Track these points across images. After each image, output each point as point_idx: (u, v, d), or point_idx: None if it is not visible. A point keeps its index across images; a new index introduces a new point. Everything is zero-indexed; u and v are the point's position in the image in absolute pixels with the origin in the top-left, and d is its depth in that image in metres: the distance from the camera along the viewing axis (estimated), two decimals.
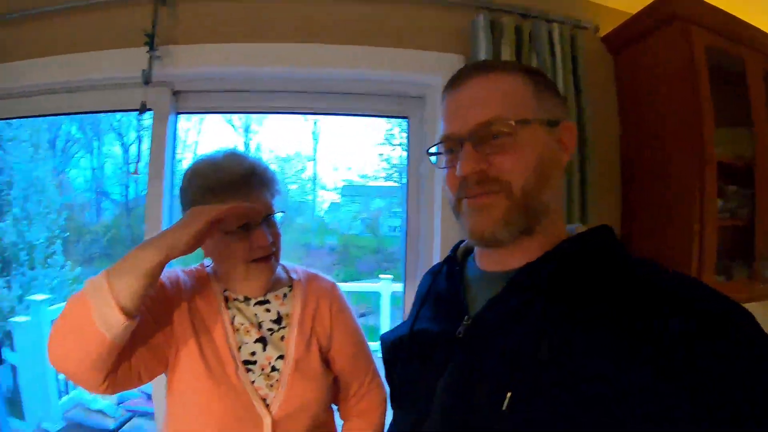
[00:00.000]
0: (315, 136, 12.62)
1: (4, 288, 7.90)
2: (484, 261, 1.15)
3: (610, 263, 0.96)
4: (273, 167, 1.48)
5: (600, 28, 2.25)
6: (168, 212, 2.33)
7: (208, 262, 1.55)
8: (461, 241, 1.30)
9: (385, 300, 7.11)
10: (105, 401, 4.86)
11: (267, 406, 1.34)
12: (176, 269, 1.50)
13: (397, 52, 2.07)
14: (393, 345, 1.22)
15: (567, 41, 2.00)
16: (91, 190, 13.01)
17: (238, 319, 1.43)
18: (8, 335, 5.42)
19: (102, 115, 12.55)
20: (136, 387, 1.37)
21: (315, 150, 13.18)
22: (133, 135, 13.08)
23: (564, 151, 1.08)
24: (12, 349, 5.34)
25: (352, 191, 12.91)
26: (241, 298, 1.46)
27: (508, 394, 0.86)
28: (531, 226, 1.03)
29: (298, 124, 12.54)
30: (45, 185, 10.08)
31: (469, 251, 1.27)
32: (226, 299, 1.46)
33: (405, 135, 2.27)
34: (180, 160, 2.49)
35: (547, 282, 0.96)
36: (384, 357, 1.26)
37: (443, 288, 1.20)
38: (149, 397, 4.97)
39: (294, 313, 1.47)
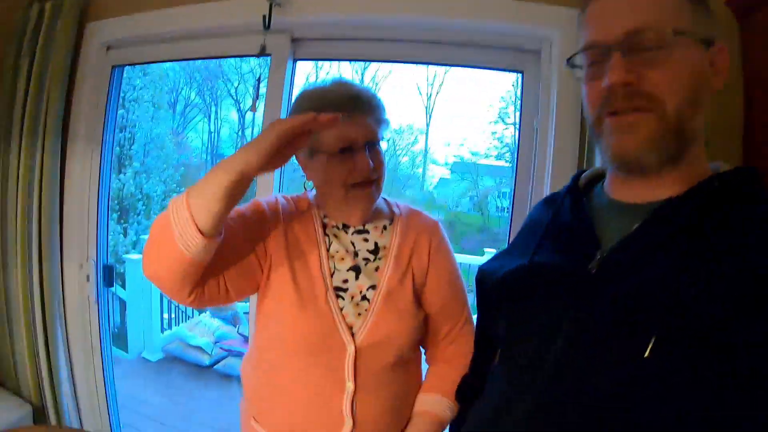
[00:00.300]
0: (428, 110, 12.63)
1: (120, 234, 8.43)
2: (620, 190, 1.03)
3: (758, 206, 0.88)
4: (379, 97, 1.44)
5: None
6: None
7: (311, 188, 1.55)
8: (581, 171, 1.18)
9: None
10: (203, 339, 5.14)
11: (353, 334, 1.33)
12: (278, 195, 1.52)
13: (515, 3, 2.01)
14: (507, 278, 1.08)
15: None
16: (207, 152, 13.66)
17: (334, 247, 1.42)
18: (121, 276, 5.79)
19: (221, 81, 13.10)
20: (224, 304, 1.43)
21: (428, 124, 13.16)
22: (249, 102, 13.65)
23: (716, 75, 0.95)
24: (123, 286, 5.70)
25: (462, 168, 12.77)
26: (339, 225, 1.46)
27: (653, 339, 0.78)
28: (679, 154, 0.93)
29: (413, 97, 12.57)
30: (164, 143, 10.64)
31: (592, 181, 1.16)
32: (325, 226, 1.46)
33: (519, 92, 2.20)
34: None
35: (693, 218, 0.88)
36: (487, 291, 1.15)
37: (567, 219, 1.08)
38: (246, 339, 5.19)
39: (392, 245, 1.44)
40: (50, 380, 2.61)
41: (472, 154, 12.64)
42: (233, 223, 1.29)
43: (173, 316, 5.94)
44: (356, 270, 1.39)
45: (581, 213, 1.07)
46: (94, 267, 2.62)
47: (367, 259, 1.41)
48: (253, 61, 12.60)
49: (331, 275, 1.37)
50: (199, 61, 12.02)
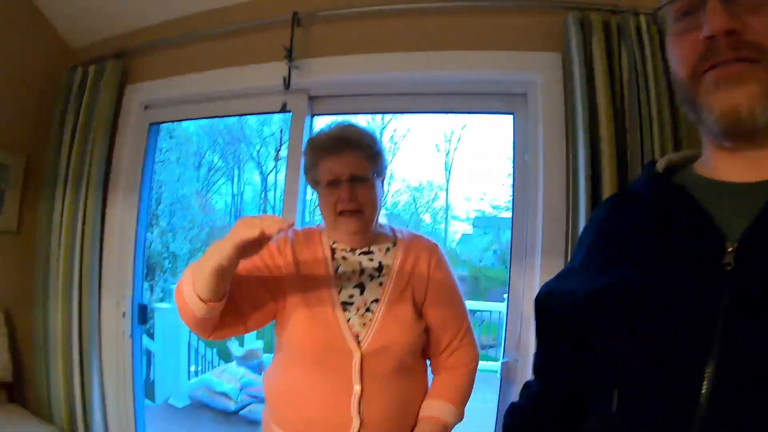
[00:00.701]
0: (447, 166, 12.83)
1: (147, 290, 8.66)
2: (725, 167, 0.86)
3: None
4: (373, 135, 1.65)
5: None
6: (302, 200, 2.66)
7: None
8: (652, 161, 0.98)
9: None
10: (229, 385, 5.25)
11: (359, 342, 1.48)
12: (289, 230, 1.69)
13: (500, 54, 2.26)
14: (604, 297, 0.88)
15: (654, 32, 2.04)
16: (231, 213, 13.96)
17: (342, 268, 1.59)
18: (148, 329, 5.99)
19: (243, 144, 13.46)
20: (242, 334, 1.63)
21: (447, 180, 13.31)
22: (271, 165, 13.99)
23: None
24: (152, 338, 5.88)
25: (484, 222, 12.82)
26: (347, 249, 1.62)
27: None
28: None
29: (431, 154, 12.80)
30: (189, 203, 10.94)
31: (671, 170, 0.96)
32: (334, 251, 1.64)
33: (512, 131, 2.41)
34: None
35: None
36: (564, 316, 0.99)
37: (662, 213, 0.89)
38: None
39: (394, 264, 1.60)
40: (83, 409, 2.82)
41: (493, 207, 12.76)
42: (245, 273, 1.51)
43: (200, 368, 6.11)
44: (361, 286, 1.56)
45: (684, 201, 0.86)
46: (130, 305, 2.85)
47: (372, 276, 1.58)
48: (274, 125, 13.01)
49: (339, 292, 1.55)
50: (222, 125, 12.43)
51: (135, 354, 2.90)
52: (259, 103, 2.72)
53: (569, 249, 2.07)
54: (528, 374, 2.12)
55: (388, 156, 1.66)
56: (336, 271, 1.58)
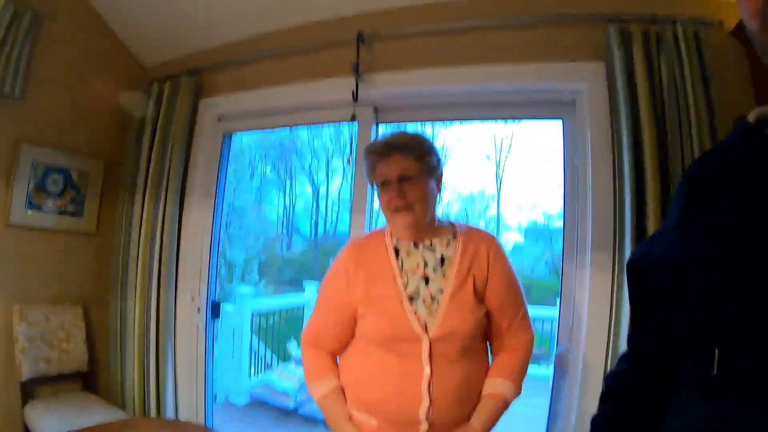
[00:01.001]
0: (498, 176, 12.75)
1: None
2: None
3: None
4: (420, 138, 1.75)
5: (724, 22, 2.34)
6: (370, 203, 2.81)
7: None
8: (742, 117, 0.90)
9: None
10: (288, 383, 5.41)
11: (427, 330, 1.60)
12: (353, 241, 1.86)
13: (549, 66, 2.42)
14: (685, 254, 0.84)
15: (691, 39, 2.15)
16: (283, 225, 14.18)
17: (407, 264, 1.71)
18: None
19: (294, 157, 13.70)
20: None
21: (499, 189, 13.16)
22: (322, 176, 14.20)
23: None
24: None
25: (535, 232, 12.69)
26: (411, 244, 1.74)
27: None
28: None
29: (482, 163, 12.75)
30: (245, 213, 11.21)
31: (762, 122, 0.87)
32: (397, 249, 1.75)
33: (562, 137, 2.56)
34: None
35: None
36: (660, 278, 0.90)
37: (750, 166, 0.81)
38: None
39: (455, 256, 1.71)
40: (156, 398, 3.06)
41: (545, 217, 12.62)
42: (339, 326, 1.77)
43: (259, 369, 6.28)
44: (426, 279, 1.70)
45: None
46: (204, 301, 3.09)
47: (435, 268, 1.71)
48: (325, 136, 13.22)
49: (405, 286, 1.69)
50: (274, 137, 12.68)
51: (207, 347, 3.12)
52: (329, 115, 2.94)
53: (617, 247, 2.19)
54: (579, 363, 2.27)
55: (440, 156, 1.79)
56: (401, 267, 1.71)
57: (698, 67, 2.11)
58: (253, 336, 6.09)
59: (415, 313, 1.62)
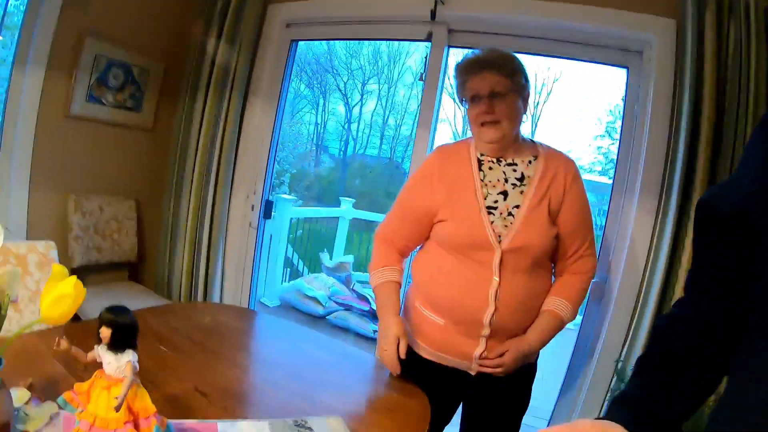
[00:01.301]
0: (534, 119, 12.58)
1: None
2: None
3: None
4: (512, 57, 1.77)
5: None
6: (435, 120, 2.89)
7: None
8: None
9: None
10: (319, 292, 5.61)
11: (500, 241, 1.67)
12: (438, 148, 1.92)
13: (623, 13, 2.45)
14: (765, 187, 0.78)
15: (761, 15, 2.16)
16: (313, 141, 14.20)
17: (488, 177, 1.76)
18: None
19: (329, 76, 13.58)
20: None
21: (533, 133, 13.01)
22: (357, 97, 14.12)
23: None
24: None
25: None
26: (494, 160, 1.79)
27: None
28: None
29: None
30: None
31: None
32: (481, 162, 1.80)
33: (625, 83, 2.61)
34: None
35: None
36: (726, 215, 0.87)
37: None
38: (358, 295, 5.70)
39: (535, 175, 1.76)
40: (204, 289, 3.24)
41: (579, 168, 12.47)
42: (416, 223, 1.86)
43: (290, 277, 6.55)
44: (504, 194, 1.75)
45: None
46: (259, 200, 3.22)
47: (514, 185, 1.77)
48: (363, 58, 13.08)
49: (485, 198, 1.75)
50: (311, 54, 12.57)
51: (257, 245, 3.28)
52: (402, 30, 2.98)
53: (664, 189, 2.31)
54: (614, 293, 2.42)
55: (528, 76, 1.80)
56: (482, 179, 1.77)
57: (765, 42, 2.15)
58: (288, 246, 6.25)
59: (491, 223, 1.69)
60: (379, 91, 14.05)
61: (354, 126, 14.53)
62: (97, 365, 1.07)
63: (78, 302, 1.06)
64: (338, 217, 7.30)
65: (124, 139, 3.39)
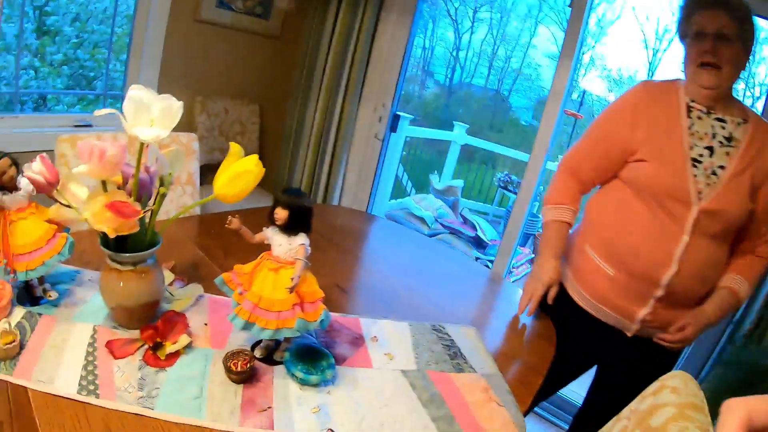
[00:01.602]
0: (652, 66, 11.98)
1: None
2: None
3: None
4: (747, 5, 1.58)
5: None
6: (578, 54, 2.71)
7: None
8: None
9: None
10: (426, 212, 5.60)
11: (700, 198, 1.55)
12: (642, 85, 1.76)
13: None
14: None
15: None
16: (420, 67, 14.02)
17: (696, 127, 1.62)
18: None
19: (441, 1, 13.25)
20: None
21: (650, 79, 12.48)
22: (468, 24, 13.75)
23: None
24: None
25: None
26: (704, 110, 1.63)
27: None
28: None
29: (638, 50, 11.95)
30: None
31: None
32: (690, 110, 1.65)
33: None
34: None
35: None
36: None
37: None
38: (464, 220, 5.69)
39: (744, 139, 1.60)
40: (324, 195, 3.33)
41: None
42: (602, 156, 1.76)
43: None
44: (710, 149, 1.61)
45: None
46: (388, 113, 3.22)
47: (721, 143, 1.62)
48: None
49: (690, 148, 1.62)
50: None
51: (381, 156, 3.31)
52: None
53: None
54: None
55: (756, 30, 1.63)
56: (690, 127, 1.63)
57: None
58: (400, 164, 6.24)
59: (694, 177, 1.58)
60: (491, 20, 13.59)
61: (462, 54, 14.12)
62: (262, 247, 1.11)
63: (257, 181, 1.09)
64: (450, 141, 7.17)
65: (251, 45, 3.46)
